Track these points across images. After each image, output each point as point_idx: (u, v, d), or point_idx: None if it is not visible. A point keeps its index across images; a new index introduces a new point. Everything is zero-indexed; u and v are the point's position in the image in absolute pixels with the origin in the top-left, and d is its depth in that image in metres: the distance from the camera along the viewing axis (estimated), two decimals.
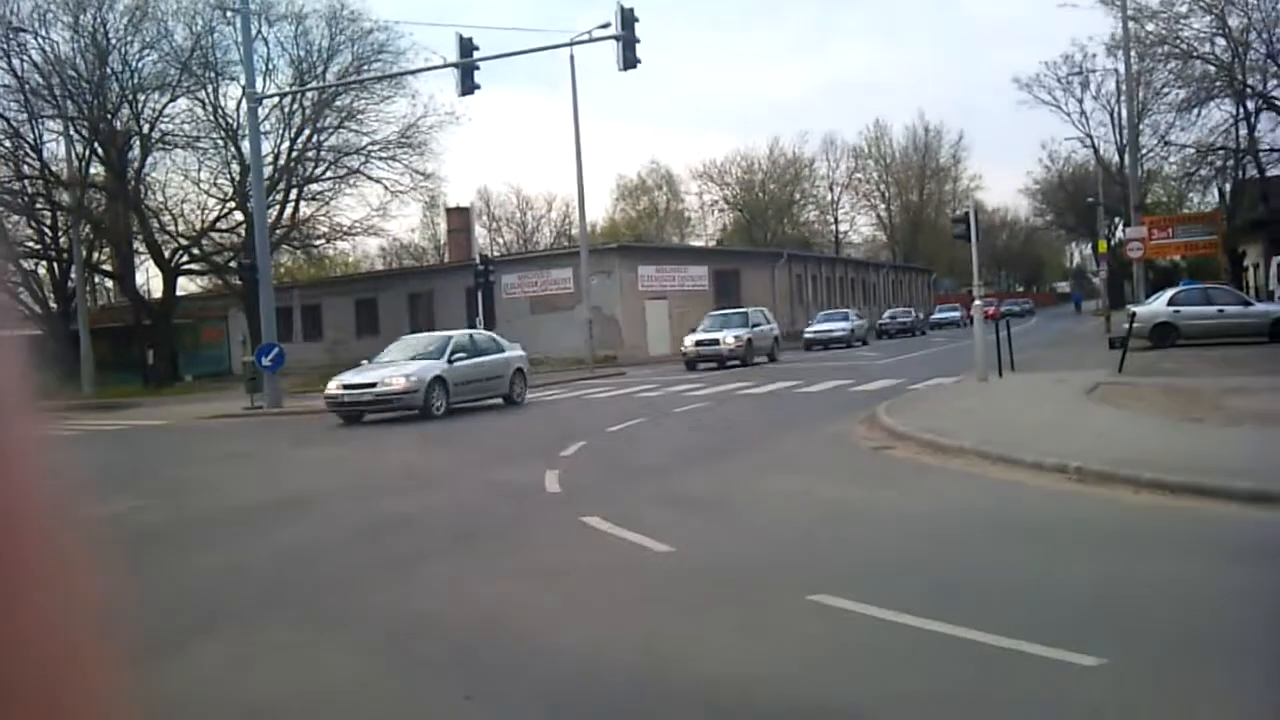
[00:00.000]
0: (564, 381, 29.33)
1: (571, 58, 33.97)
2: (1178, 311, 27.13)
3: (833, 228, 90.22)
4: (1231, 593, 5.85)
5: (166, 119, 41.58)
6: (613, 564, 7.44)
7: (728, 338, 33.17)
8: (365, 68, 42.16)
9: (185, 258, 44.15)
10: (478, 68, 25.22)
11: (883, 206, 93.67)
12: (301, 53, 42.88)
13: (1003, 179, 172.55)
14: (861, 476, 10.84)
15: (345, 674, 5.38)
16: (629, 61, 23.75)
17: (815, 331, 44.75)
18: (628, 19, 23.72)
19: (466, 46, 24.91)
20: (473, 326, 29.78)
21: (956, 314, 64.62)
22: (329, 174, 44.35)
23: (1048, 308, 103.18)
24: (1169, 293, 29.16)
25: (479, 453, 15.33)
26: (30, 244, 42.50)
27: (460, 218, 59.47)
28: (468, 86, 25.19)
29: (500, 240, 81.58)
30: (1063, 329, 48.81)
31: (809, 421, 16.10)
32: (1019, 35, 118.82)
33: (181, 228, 44.29)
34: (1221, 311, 26.91)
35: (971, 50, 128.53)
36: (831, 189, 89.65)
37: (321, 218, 45.27)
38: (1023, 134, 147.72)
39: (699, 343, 33.40)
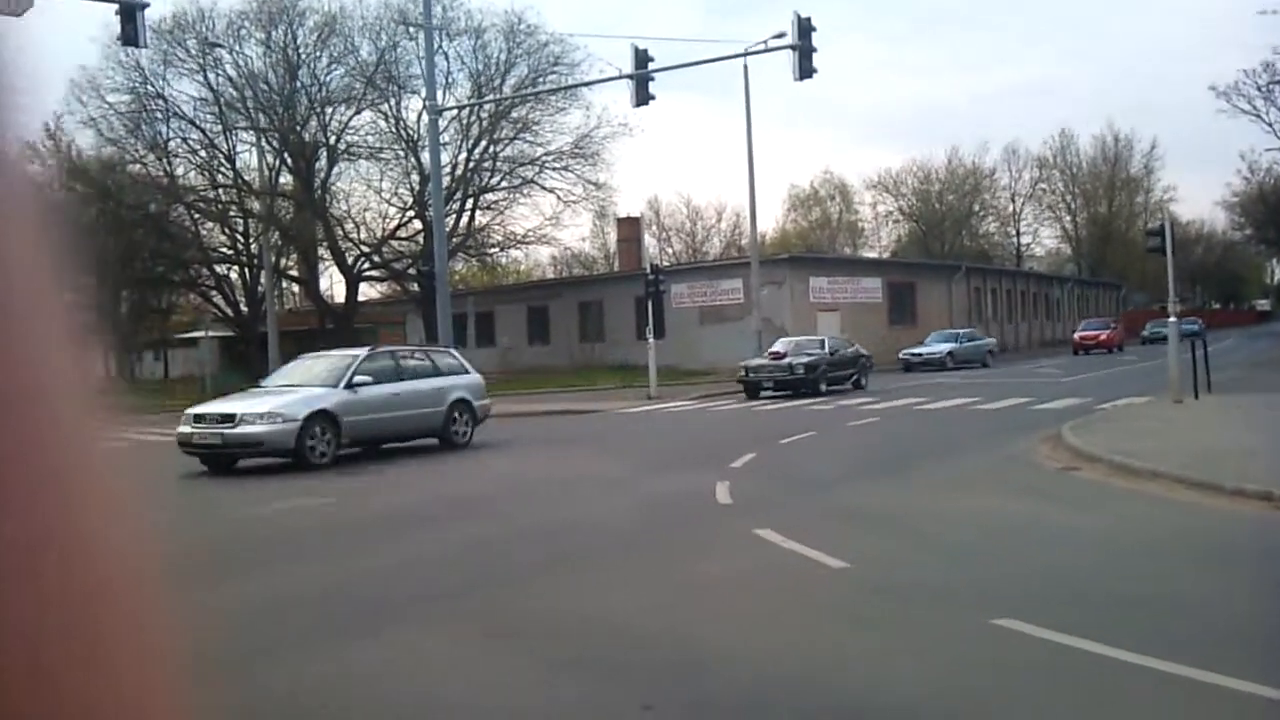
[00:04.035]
0: (732, 393, 29.14)
1: (745, 67, 34.00)
2: None
3: (1014, 240, 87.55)
4: None
5: (351, 131, 43.55)
6: (787, 578, 7.27)
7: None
8: (541, 80, 43.03)
9: (366, 264, 45.94)
10: (652, 79, 25.32)
11: (1068, 218, 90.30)
12: (480, 66, 44.15)
13: (1199, 190, 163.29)
14: (1046, 497, 10.35)
15: (519, 679, 5.37)
16: (805, 71, 23.48)
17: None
18: (804, 28, 23.45)
19: (641, 58, 25.03)
20: (643, 337, 30.76)
21: (947, 347, 40.54)
22: (504, 184, 45.44)
23: (1247, 326, 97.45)
24: None
25: (648, 461, 15.25)
26: (224, 249, 45.04)
27: (630, 227, 60.00)
28: (642, 98, 25.33)
29: (669, 250, 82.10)
30: (1264, 349, 45.93)
31: (988, 439, 15.54)
32: (1216, 41, 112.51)
33: (363, 235, 46.14)
34: None
35: (1163, 57, 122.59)
36: (1013, 200, 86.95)
37: (496, 226, 46.50)
38: (1221, 143, 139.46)
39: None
